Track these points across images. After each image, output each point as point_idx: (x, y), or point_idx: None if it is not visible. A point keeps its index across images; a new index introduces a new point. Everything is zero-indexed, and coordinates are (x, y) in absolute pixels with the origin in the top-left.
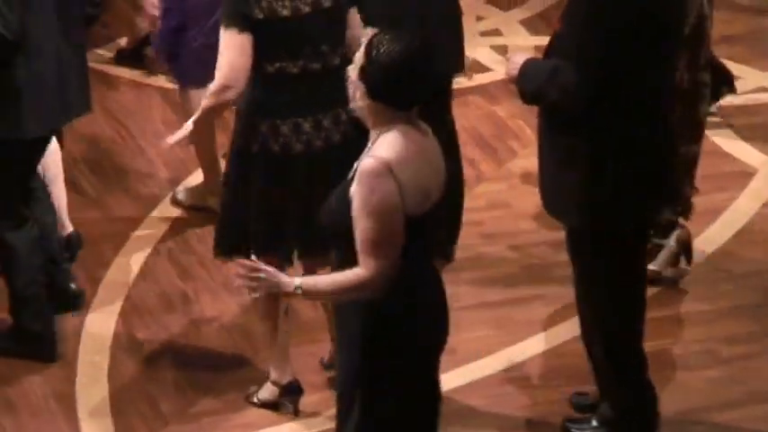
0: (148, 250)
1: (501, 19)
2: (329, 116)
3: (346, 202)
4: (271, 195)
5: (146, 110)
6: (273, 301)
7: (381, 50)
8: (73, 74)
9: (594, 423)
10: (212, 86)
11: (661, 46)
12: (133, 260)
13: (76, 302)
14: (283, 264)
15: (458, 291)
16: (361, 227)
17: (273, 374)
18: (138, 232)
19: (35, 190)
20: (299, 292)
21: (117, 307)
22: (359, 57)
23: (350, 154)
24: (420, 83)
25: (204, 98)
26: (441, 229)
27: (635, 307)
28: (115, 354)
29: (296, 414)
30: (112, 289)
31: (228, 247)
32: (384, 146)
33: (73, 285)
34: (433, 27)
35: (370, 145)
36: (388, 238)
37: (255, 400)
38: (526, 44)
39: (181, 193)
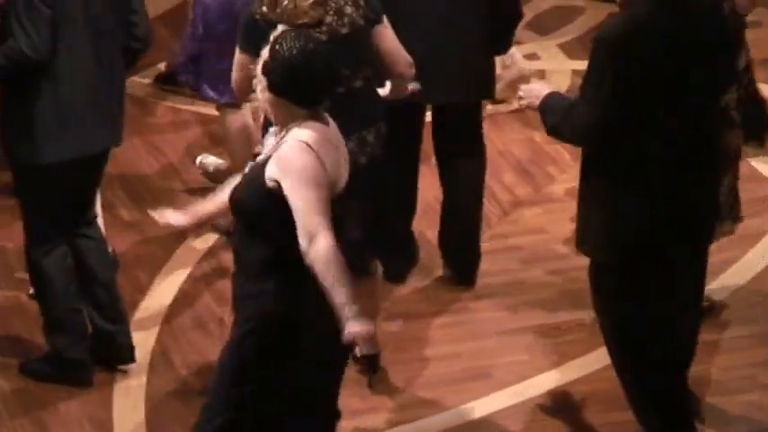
0: (185, 275)
1: (539, 43)
2: (354, 139)
3: (259, 187)
4: None
5: (182, 135)
6: None
7: (283, 46)
8: (106, 104)
9: None
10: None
11: (681, 70)
12: (169, 284)
13: (124, 356)
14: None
15: (495, 316)
16: (304, 199)
17: None
18: (175, 256)
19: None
20: (355, 314)
21: (153, 331)
22: (264, 52)
23: (375, 176)
24: (318, 81)
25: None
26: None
27: (662, 339)
28: (152, 378)
29: None
30: (149, 313)
31: None
32: (297, 134)
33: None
34: (465, 51)
35: (278, 141)
36: (327, 205)
37: None
38: (564, 68)
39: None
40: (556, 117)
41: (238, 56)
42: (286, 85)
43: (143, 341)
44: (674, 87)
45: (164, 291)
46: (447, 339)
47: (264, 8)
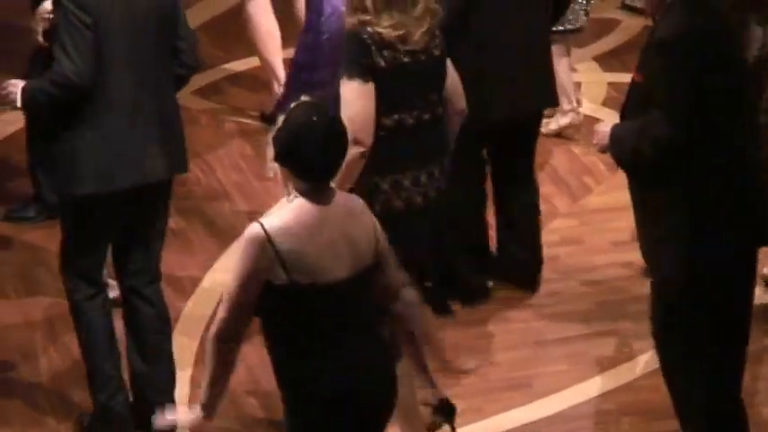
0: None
1: (574, 55)
2: (438, 166)
3: None
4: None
5: (225, 144)
6: None
7: (293, 118)
8: (155, 133)
9: None
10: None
11: (728, 78)
12: (212, 293)
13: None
14: None
15: (533, 326)
16: (228, 285)
17: None
18: (217, 265)
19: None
20: (203, 411)
21: (197, 341)
22: (280, 118)
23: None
24: (318, 159)
25: None
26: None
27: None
28: (196, 387)
29: None
30: (192, 322)
31: None
32: (277, 212)
33: None
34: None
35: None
36: (239, 300)
37: None
38: (599, 81)
39: None
40: (630, 141)
41: (352, 86)
42: (287, 155)
43: (187, 349)
44: (712, 97)
45: (207, 299)
46: (485, 349)
47: (382, 31)
